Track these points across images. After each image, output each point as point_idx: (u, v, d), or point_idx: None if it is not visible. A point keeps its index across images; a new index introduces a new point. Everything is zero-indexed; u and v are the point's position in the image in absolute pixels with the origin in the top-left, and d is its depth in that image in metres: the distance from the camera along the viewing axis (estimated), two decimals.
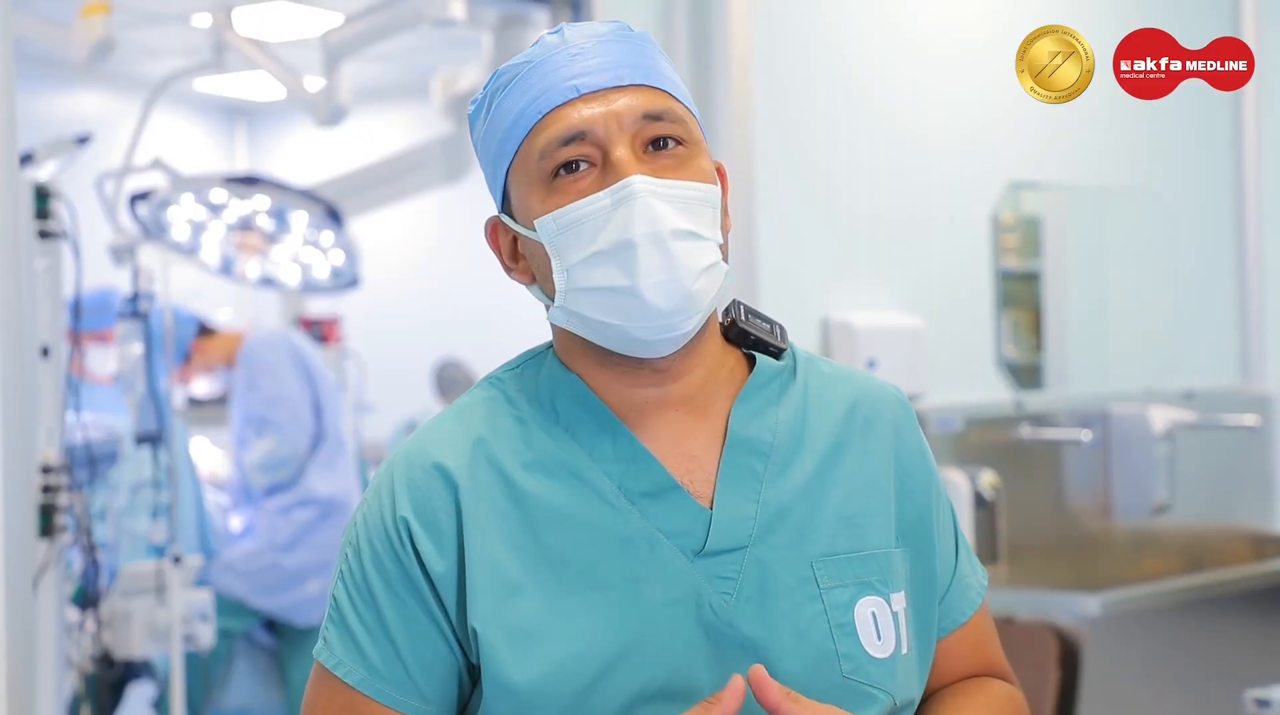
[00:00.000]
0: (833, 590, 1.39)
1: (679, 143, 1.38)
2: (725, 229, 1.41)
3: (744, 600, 1.37)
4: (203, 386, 4.96)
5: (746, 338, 1.48)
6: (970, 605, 1.53)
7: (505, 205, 1.43)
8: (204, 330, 4.80)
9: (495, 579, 1.36)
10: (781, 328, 1.50)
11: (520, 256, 1.43)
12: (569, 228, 1.35)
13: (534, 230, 1.38)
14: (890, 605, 1.41)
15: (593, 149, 1.36)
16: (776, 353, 1.49)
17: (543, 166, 1.36)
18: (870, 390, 1.51)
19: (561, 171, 1.36)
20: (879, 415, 1.49)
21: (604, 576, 1.37)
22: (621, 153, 1.35)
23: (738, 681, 1.29)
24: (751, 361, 1.48)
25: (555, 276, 1.38)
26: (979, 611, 1.54)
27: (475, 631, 1.36)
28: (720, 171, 1.44)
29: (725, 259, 1.40)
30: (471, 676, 1.41)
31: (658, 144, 1.37)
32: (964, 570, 1.53)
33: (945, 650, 1.51)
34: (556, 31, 1.41)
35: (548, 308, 1.42)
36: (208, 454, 5.17)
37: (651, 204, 1.33)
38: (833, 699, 1.36)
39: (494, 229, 1.46)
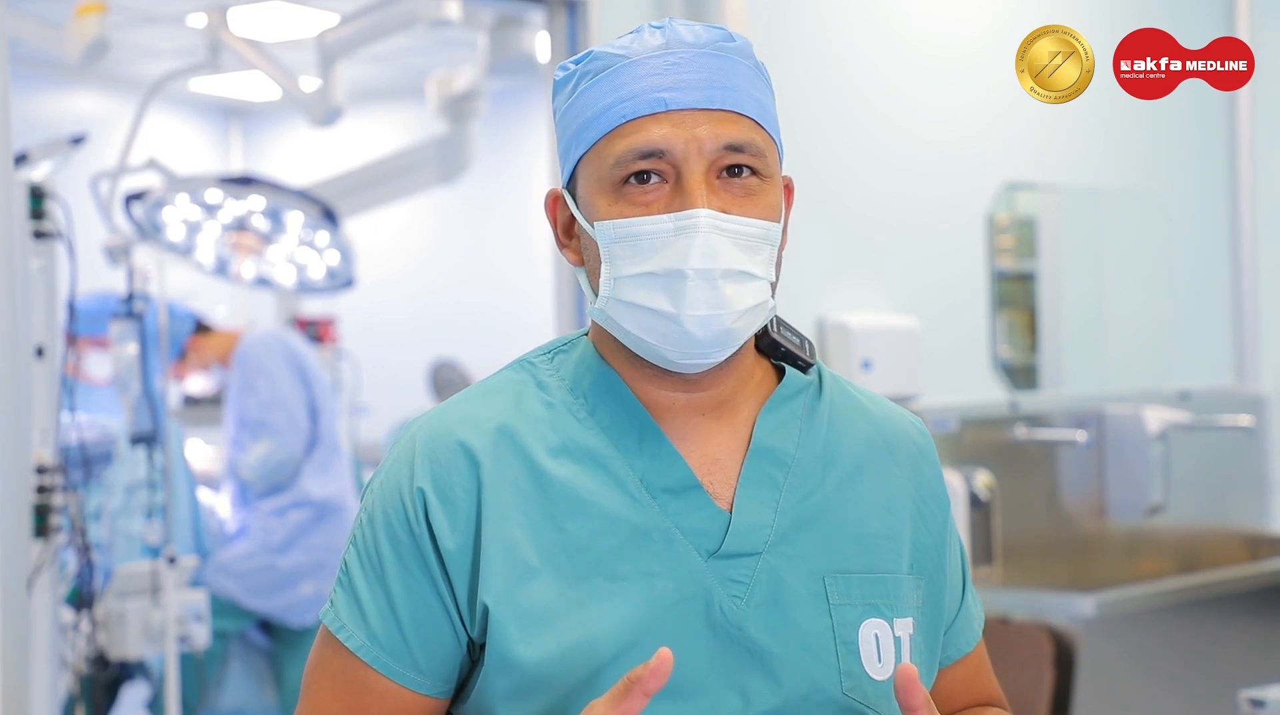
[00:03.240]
0: (841, 607, 1.40)
1: (754, 173, 1.38)
2: (781, 246, 1.43)
3: (754, 605, 1.38)
4: (197, 384, 4.96)
5: (776, 349, 1.49)
6: (974, 637, 1.55)
7: (570, 183, 1.43)
8: (201, 327, 4.80)
9: (510, 560, 1.37)
10: (811, 343, 1.51)
11: (574, 236, 1.44)
12: (626, 239, 1.36)
13: (593, 228, 1.38)
14: (893, 630, 1.42)
15: (668, 167, 1.36)
16: (804, 367, 1.50)
17: (615, 173, 1.36)
18: (894, 418, 1.52)
19: (633, 179, 1.36)
20: (901, 444, 1.50)
21: (618, 567, 1.37)
22: (694, 179, 1.35)
23: (665, 654, 1.24)
24: (779, 372, 1.49)
25: (602, 281, 1.38)
26: (979, 643, 1.56)
27: (486, 608, 1.36)
28: (788, 188, 1.46)
29: (774, 292, 1.41)
30: (471, 655, 1.41)
31: (733, 170, 1.37)
32: (969, 602, 1.55)
33: (945, 680, 1.53)
34: (659, 26, 1.40)
35: (590, 300, 1.42)
36: (202, 455, 5.17)
37: (711, 240, 1.34)
38: None
39: (555, 201, 1.46)
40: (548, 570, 1.37)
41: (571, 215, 1.42)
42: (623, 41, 1.40)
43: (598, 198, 1.38)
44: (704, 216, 1.33)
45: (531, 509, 1.38)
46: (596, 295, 1.40)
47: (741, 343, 1.38)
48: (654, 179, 1.36)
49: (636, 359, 1.41)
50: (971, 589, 1.57)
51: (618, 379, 1.43)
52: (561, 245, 1.45)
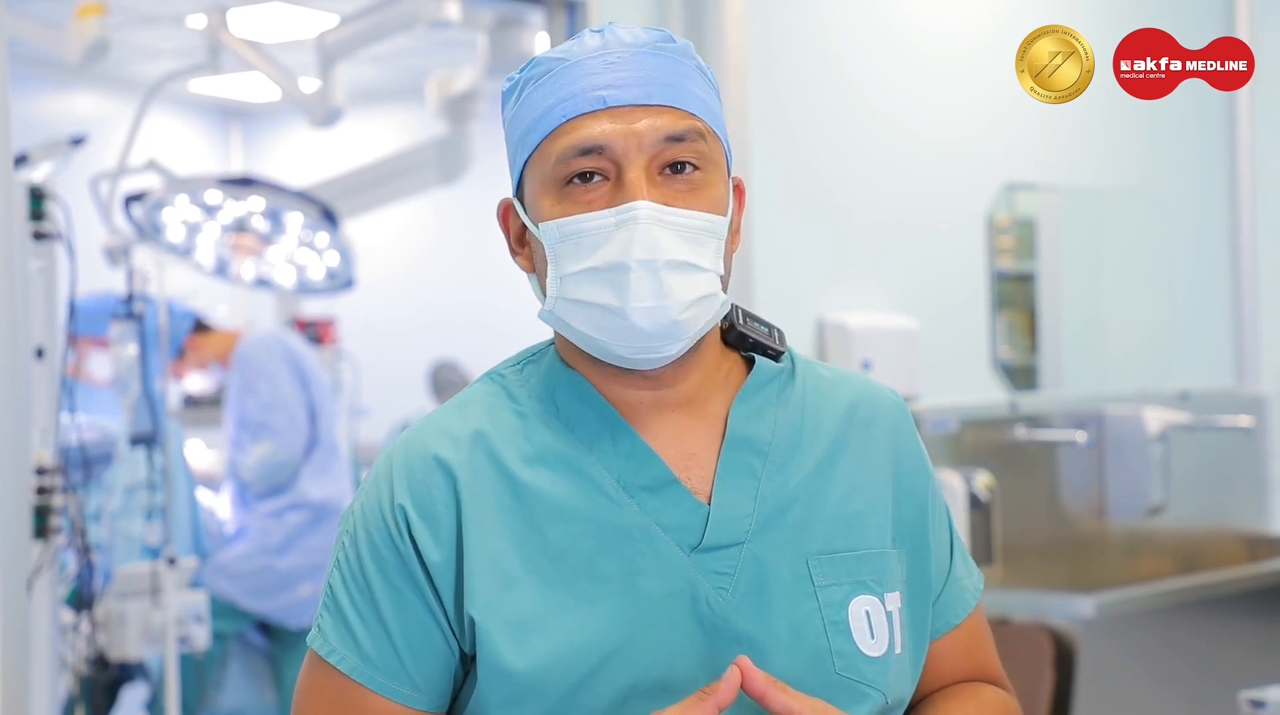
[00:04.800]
0: (828, 588, 1.40)
1: (696, 168, 1.38)
2: (732, 249, 1.43)
3: (740, 596, 1.38)
4: (195, 382, 4.96)
5: (745, 341, 1.49)
6: (964, 608, 1.54)
7: (520, 191, 1.44)
8: (200, 326, 4.79)
9: (494, 571, 1.37)
10: (779, 331, 1.52)
11: (526, 244, 1.45)
12: (569, 238, 1.37)
13: (539, 228, 1.39)
14: (884, 605, 1.42)
15: (609, 163, 1.37)
16: (775, 355, 1.50)
17: (558, 171, 1.37)
18: (868, 393, 1.52)
19: (575, 179, 1.37)
20: (877, 418, 1.50)
21: (602, 569, 1.38)
22: (635, 173, 1.36)
23: (734, 673, 1.30)
24: (750, 364, 1.49)
25: (549, 281, 1.39)
26: (973, 615, 1.55)
27: (473, 621, 1.36)
28: (739, 188, 1.46)
29: (725, 287, 1.41)
30: (464, 667, 1.41)
31: (675, 167, 1.38)
32: (959, 573, 1.54)
33: (938, 652, 1.52)
34: (599, 31, 1.41)
35: (541, 303, 1.43)
36: (202, 455, 5.17)
37: (653, 231, 1.34)
38: (825, 696, 1.37)
39: (506, 211, 1.47)
40: (531, 578, 1.37)
41: (523, 224, 1.43)
42: (564, 46, 1.42)
43: (542, 199, 1.39)
44: (644, 208, 1.34)
45: (511, 519, 1.39)
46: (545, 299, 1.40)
47: (691, 336, 1.38)
48: (596, 178, 1.37)
49: (599, 360, 1.41)
50: (963, 559, 1.55)
51: (586, 384, 1.43)
52: (514, 253, 1.46)
